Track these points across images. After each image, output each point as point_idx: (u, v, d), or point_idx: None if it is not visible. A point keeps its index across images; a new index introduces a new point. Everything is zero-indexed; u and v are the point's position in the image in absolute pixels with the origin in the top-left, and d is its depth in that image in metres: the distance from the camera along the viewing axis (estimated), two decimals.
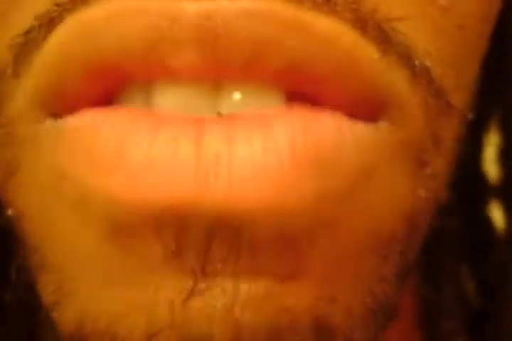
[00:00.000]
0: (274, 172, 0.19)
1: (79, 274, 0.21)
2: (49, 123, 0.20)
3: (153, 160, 0.19)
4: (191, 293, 0.19)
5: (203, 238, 0.19)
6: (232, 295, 0.19)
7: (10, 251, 0.26)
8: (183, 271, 0.19)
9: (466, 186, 0.30)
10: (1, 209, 0.23)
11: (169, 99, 0.20)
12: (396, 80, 0.20)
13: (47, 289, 0.22)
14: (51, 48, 0.20)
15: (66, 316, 0.21)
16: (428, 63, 0.20)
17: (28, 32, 0.20)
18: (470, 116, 0.23)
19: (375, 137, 0.20)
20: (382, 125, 0.20)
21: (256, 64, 0.19)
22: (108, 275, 0.20)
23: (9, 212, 0.22)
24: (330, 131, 0.19)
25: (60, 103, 0.20)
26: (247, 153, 0.19)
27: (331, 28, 0.19)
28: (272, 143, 0.19)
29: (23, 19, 0.20)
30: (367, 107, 0.20)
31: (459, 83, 0.21)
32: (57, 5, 0.20)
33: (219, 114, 0.20)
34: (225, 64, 0.19)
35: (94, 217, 0.20)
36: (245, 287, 0.19)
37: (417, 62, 0.20)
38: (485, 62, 0.23)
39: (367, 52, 0.19)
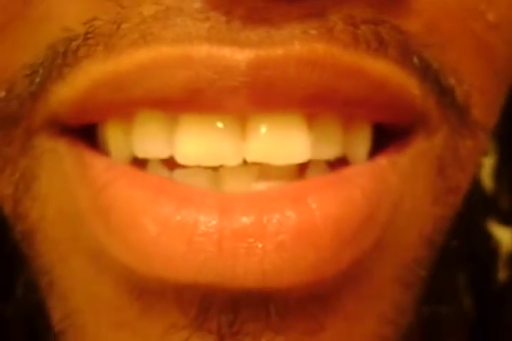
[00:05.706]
0: (310, 247, 0.19)
1: (87, 310, 0.21)
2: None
3: (174, 231, 0.19)
4: None
5: (227, 308, 0.19)
6: None
7: (17, 265, 0.26)
8: (206, 331, 0.19)
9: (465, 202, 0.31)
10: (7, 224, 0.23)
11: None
12: (427, 102, 0.20)
13: (55, 314, 0.22)
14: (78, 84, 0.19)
15: None
16: (453, 82, 0.20)
17: (41, 63, 0.19)
18: None
19: (404, 165, 0.21)
20: (417, 142, 0.21)
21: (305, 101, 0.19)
22: (120, 322, 0.20)
23: (19, 227, 0.22)
24: (359, 198, 0.20)
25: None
26: (279, 227, 0.18)
27: (383, 71, 0.19)
28: (306, 216, 0.19)
29: (34, 45, 0.20)
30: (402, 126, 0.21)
31: (487, 99, 0.22)
32: (70, 39, 0.19)
33: (244, 162, 0.20)
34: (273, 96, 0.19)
35: (112, 273, 0.20)
36: None
37: (444, 83, 0.20)
38: None
39: (411, 87, 0.20)
